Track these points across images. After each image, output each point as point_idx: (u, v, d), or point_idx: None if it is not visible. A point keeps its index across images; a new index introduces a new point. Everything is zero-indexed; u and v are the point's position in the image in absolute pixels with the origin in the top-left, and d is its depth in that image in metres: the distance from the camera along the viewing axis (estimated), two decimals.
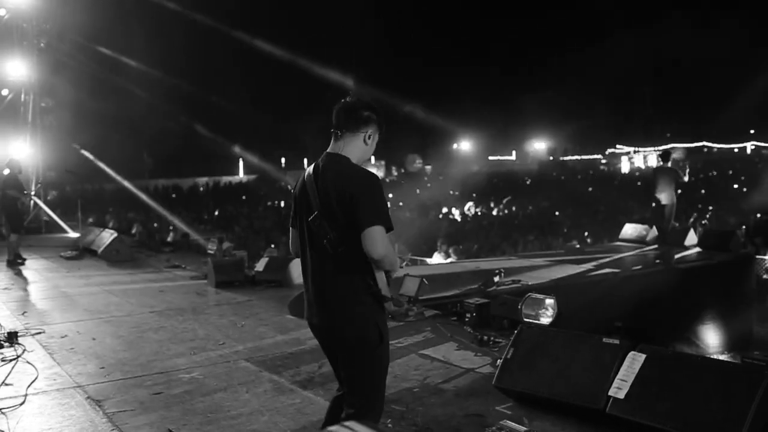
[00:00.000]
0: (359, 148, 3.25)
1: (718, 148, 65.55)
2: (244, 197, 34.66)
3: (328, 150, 3.27)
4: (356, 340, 3.15)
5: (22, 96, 19.20)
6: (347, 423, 1.56)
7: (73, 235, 15.81)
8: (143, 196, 24.08)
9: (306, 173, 3.28)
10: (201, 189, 36.94)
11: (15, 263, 12.51)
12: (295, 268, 10.06)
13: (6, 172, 12.84)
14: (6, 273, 11.74)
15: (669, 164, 13.52)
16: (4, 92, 18.64)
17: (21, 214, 13.02)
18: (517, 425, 4.40)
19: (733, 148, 64.67)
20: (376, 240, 2.95)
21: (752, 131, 65.67)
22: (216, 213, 24.28)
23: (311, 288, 3.26)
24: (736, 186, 24.54)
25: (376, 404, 3.26)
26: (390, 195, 27.92)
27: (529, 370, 4.77)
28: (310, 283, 3.27)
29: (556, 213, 20.66)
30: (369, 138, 3.26)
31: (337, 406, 3.37)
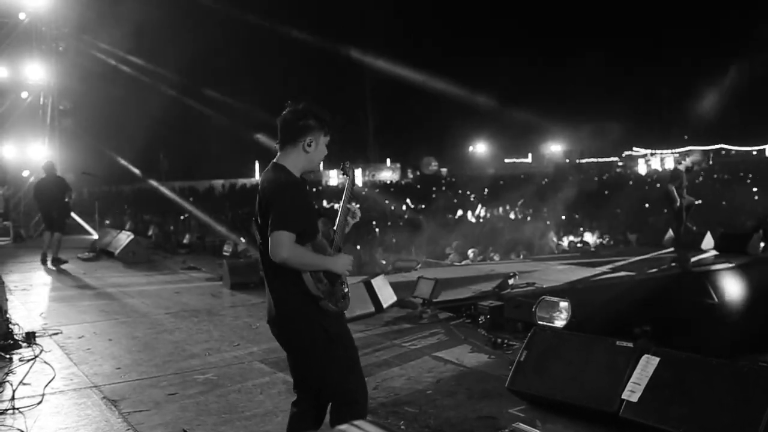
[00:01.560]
0: (300, 156, 3.34)
1: (735, 151, 64.97)
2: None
3: (273, 160, 3.38)
4: (303, 340, 3.26)
5: (41, 99, 19.40)
6: (357, 422, 1.57)
7: (94, 236, 15.95)
8: (174, 197, 24.23)
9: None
10: (219, 190, 37.10)
11: (60, 261, 12.72)
12: None
13: (43, 175, 13.02)
14: (24, 274, 11.86)
15: (681, 168, 13.46)
16: (24, 95, 18.85)
17: (67, 214, 13.25)
18: (530, 428, 4.40)
19: (752, 150, 64.05)
20: (277, 244, 3.08)
21: None
22: (231, 215, 24.41)
23: (266, 287, 3.40)
24: (755, 189, 24.29)
25: (351, 396, 3.30)
26: (408, 199, 27.92)
27: (542, 373, 4.76)
28: (265, 283, 3.41)
29: (576, 216, 20.54)
30: (309, 145, 3.34)
31: (299, 411, 3.46)
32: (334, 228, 3.43)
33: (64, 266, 12.60)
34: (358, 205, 3.55)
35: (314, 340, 3.23)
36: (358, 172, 52.70)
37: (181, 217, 21.88)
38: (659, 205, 18.38)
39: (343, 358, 3.31)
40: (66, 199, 12.85)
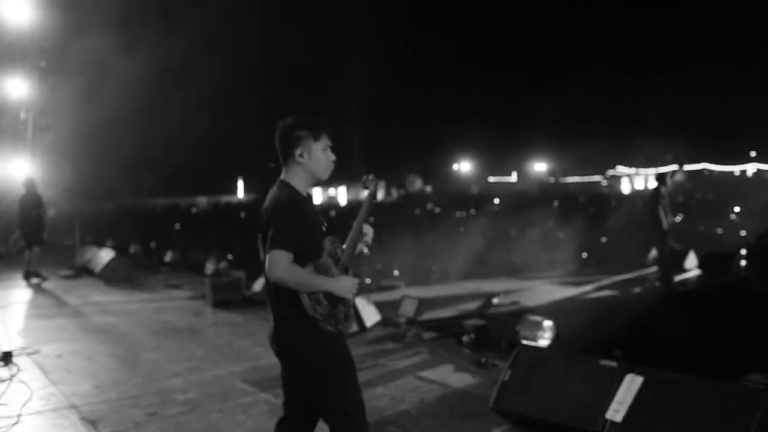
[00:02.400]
0: (300, 169, 3.31)
1: (719, 171, 65.67)
2: (242, 215, 34.65)
3: (279, 177, 3.36)
4: (301, 361, 3.20)
5: (22, 114, 19.27)
6: None
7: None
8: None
9: None
10: (193, 210, 36.93)
11: (38, 275, 12.65)
12: None
13: (23, 191, 12.99)
14: (2, 291, 11.71)
15: (663, 188, 13.50)
16: (5, 111, 18.72)
17: (42, 228, 13.17)
18: None
19: (734, 170, 64.77)
20: (273, 264, 3.02)
21: (753, 153, 65.85)
22: (214, 232, 24.30)
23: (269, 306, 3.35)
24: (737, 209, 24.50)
25: (351, 418, 3.23)
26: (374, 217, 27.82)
27: (526, 392, 4.73)
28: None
29: (560, 234, 20.57)
30: (302, 156, 3.28)
31: (286, 430, 3.40)
32: (343, 246, 3.35)
33: (43, 284, 12.46)
34: (371, 229, 3.49)
35: (312, 361, 3.17)
36: (342, 189, 52.76)
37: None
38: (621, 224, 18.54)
39: (341, 380, 3.23)
40: (39, 213, 12.82)
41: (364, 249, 3.50)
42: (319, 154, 3.31)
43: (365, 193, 3.48)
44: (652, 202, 13.10)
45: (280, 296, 3.16)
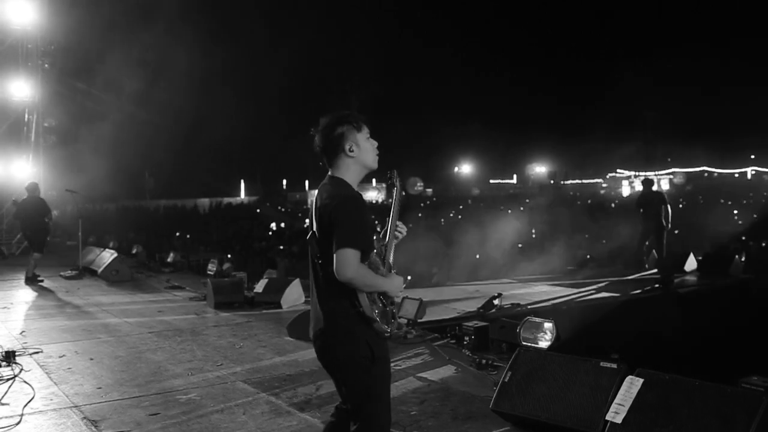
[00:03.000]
0: (351, 165, 3.29)
1: (718, 173, 65.66)
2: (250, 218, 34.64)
3: (329, 173, 3.32)
4: (347, 358, 3.17)
5: (26, 116, 19.33)
6: None
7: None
8: None
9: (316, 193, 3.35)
10: (202, 211, 36.95)
11: (34, 280, 12.70)
12: (291, 291, 10.07)
13: (25, 196, 13.09)
14: (5, 292, 11.75)
15: (655, 188, 13.65)
16: (8, 112, 18.78)
17: (45, 234, 13.26)
18: None
19: (734, 173, 64.79)
20: (343, 262, 2.99)
21: (753, 156, 65.86)
22: (216, 234, 24.33)
23: (312, 303, 3.33)
24: (735, 212, 24.49)
25: (377, 421, 3.23)
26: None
27: (526, 394, 4.76)
28: (312, 299, 3.34)
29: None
30: (351, 150, 3.26)
31: (336, 421, 3.41)
32: (384, 244, 3.36)
33: (45, 284, 12.51)
34: (403, 226, 3.49)
35: (358, 360, 3.15)
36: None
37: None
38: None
39: (378, 384, 3.23)
40: (46, 220, 12.94)
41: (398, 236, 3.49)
42: (365, 144, 3.31)
43: (393, 191, 3.48)
44: (657, 205, 13.14)
45: (335, 294, 3.14)
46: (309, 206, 3.32)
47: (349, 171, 3.28)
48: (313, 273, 3.28)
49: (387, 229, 3.39)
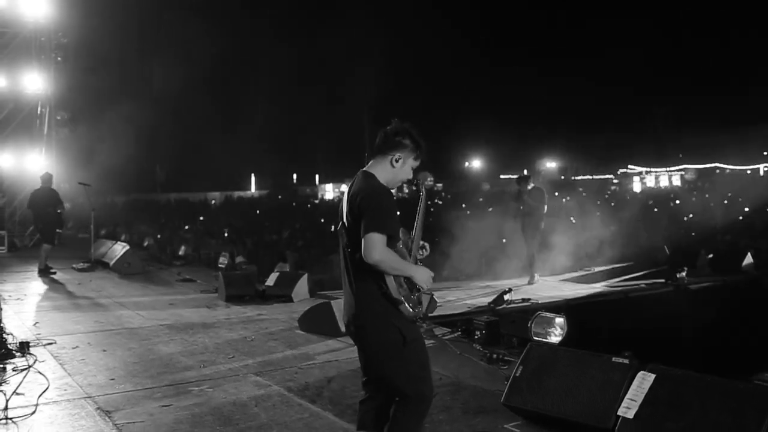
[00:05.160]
0: (386, 170, 3.53)
1: (730, 170, 65.23)
2: (257, 212, 34.70)
3: (363, 168, 3.57)
4: (380, 340, 3.40)
5: (39, 109, 19.43)
6: None
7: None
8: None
9: (347, 188, 3.61)
10: (213, 202, 37.03)
11: (47, 272, 12.78)
12: (302, 285, 10.10)
13: (38, 186, 13.16)
14: (19, 284, 11.84)
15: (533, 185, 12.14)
16: (22, 105, 18.88)
17: (56, 226, 13.31)
18: None
19: (746, 169, 64.34)
20: (370, 246, 3.23)
21: (765, 153, 65.34)
22: (227, 228, 24.42)
23: (345, 290, 3.55)
24: (746, 209, 24.31)
25: (418, 398, 3.46)
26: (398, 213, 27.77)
27: (537, 389, 4.76)
28: (343, 287, 3.56)
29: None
30: (397, 161, 3.53)
31: (368, 409, 3.62)
32: (411, 238, 3.58)
33: (57, 276, 12.60)
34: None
35: (390, 341, 3.37)
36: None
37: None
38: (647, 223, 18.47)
39: (413, 364, 3.45)
40: (59, 211, 12.99)
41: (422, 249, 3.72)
42: (407, 168, 3.58)
43: (420, 196, 3.74)
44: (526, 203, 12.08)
45: (364, 277, 3.36)
46: (340, 199, 3.58)
47: (383, 173, 3.53)
48: (344, 262, 3.51)
49: (414, 228, 3.62)
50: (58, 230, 13.45)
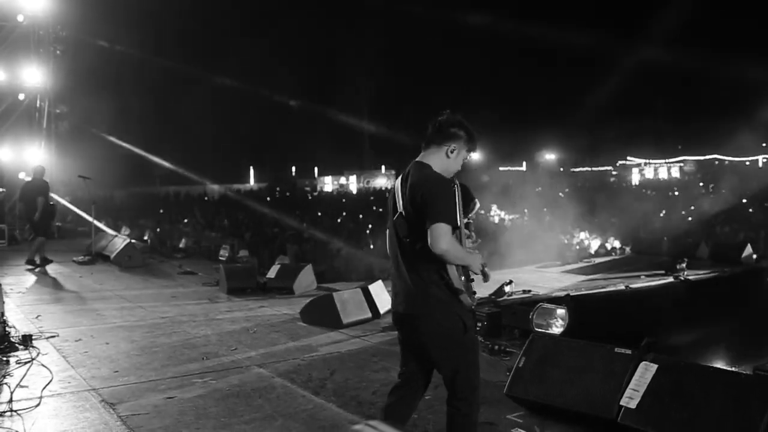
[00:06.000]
0: (441, 160, 3.57)
1: (729, 161, 65.17)
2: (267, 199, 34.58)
3: (416, 159, 3.61)
4: (441, 329, 3.43)
5: (38, 102, 19.40)
6: (371, 422, 1.60)
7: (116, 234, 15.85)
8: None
9: (398, 179, 3.66)
10: (206, 198, 36.92)
11: (43, 263, 12.76)
12: (304, 277, 10.12)
13: (29, 178, 13.12)
14: (20, 277, 11.84)
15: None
16: (20, 98, 18.84)
17: (49, 218, 13.25)
18: None
19: (745, 161, 64.28)
20: (438, 236, 3.25)
21: (765, 144, 65.25)
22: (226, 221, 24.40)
23: (398, 280, 3.58)
24: (744, 201, 24.37)
25: (470, 384, 3.52)
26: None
27: (540, 379, 4.79)
28: (396, 276, 3.59)
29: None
30: (452, 152, 3.58)
31: (400, 396, 3.70)
32: (458, 228, 3.59)
33: (59, 269, 12.59)
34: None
35: (452, 330, 3.42)
36: (353, 178, 52.79)
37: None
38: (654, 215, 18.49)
39: (470, 352, 3.53)
40: (51, 203, 12.94)
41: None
42: (460, 159, 3.63)
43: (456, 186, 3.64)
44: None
45: (425, 267, 3.40)
46: (394, 190, 3.59)
47: (437, 163, 3.56)
48: (401, 252, 3.53)
49: (458, 218, 3.61)
50: (58, 223, 13.43)
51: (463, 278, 3.41)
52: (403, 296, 3.54)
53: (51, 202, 13.05)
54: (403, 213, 3.47)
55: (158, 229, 19.61)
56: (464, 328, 3.43)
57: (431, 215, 3.28)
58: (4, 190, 18.35)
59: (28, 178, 13.22)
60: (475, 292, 3.52)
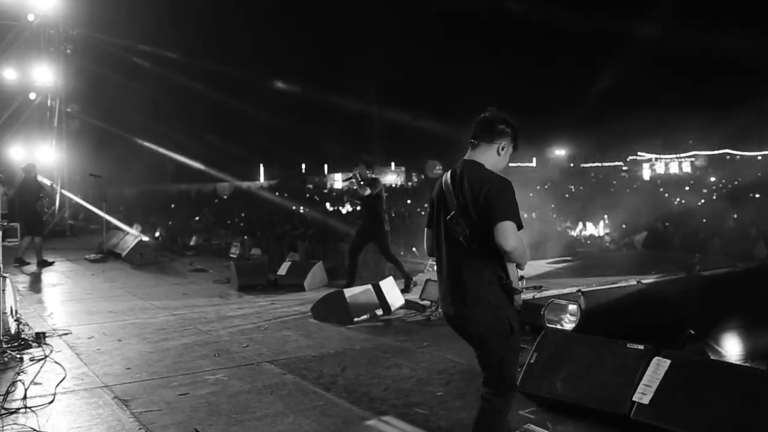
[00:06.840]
0: (492, 158, 3.56)
1: (740, 156, 64.76)
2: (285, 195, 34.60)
3: (464, 158, 3.62)
4: (489, 329, 3.43)
5: (49, 101, 19.49)
6: (384, 418, 1.59)
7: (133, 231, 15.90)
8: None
9: (444, 178, 3.63)
10: (216, 200, 37.02)
11: (22, 261, 12.80)
12: (314, 274, 10.13)
13: (23, 177, 13.14)
14: (33, 275, 11.92)
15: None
16: (32, 97, 18.93)
17: (40, 216, 13.26)
18: (541, 429, 4.42)
19: (757, 155, 63.86)
20: (507, 233, 3.25)
21: None
22: (239, 218, 24.46)
23: (447, 281, 3.56)
24: (757, 195, 24.23)
25: (510, 383, 3.53)
26: (408, 201, 27.88)
27: (552, 375, 4.78)
28: (445, 277, 3.57)
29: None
30: (502, 149, 3.59)
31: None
32: None
33: (71, 267, 12.67)
34: None
35: (500, 331, 3.43)
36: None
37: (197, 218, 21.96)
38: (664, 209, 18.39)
39: (516, 350, 3.55)
40: (39, 203, 12.99)
41: None
42: (508, 156, 3.64)
43: None
44: None
45: (481, 266, 3.40)
46: (443, 189, 3.55)
47: (490, 162, 3.55)
48: (452, 253, 3.51)
49: None
50: (70, 221, 13.49)
51: (519, 277, 3.43)
52: (452, 298, 3.53)
53: (39, 202, 13.05)
54: (460, 212, 3.42)
55: (170, 222, 19.68)
56: (511, 330, 3.43)
57: (498, 214, 3.28)
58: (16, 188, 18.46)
59: (22, 177, 13.08)
60: (521, 291, 3.51)
